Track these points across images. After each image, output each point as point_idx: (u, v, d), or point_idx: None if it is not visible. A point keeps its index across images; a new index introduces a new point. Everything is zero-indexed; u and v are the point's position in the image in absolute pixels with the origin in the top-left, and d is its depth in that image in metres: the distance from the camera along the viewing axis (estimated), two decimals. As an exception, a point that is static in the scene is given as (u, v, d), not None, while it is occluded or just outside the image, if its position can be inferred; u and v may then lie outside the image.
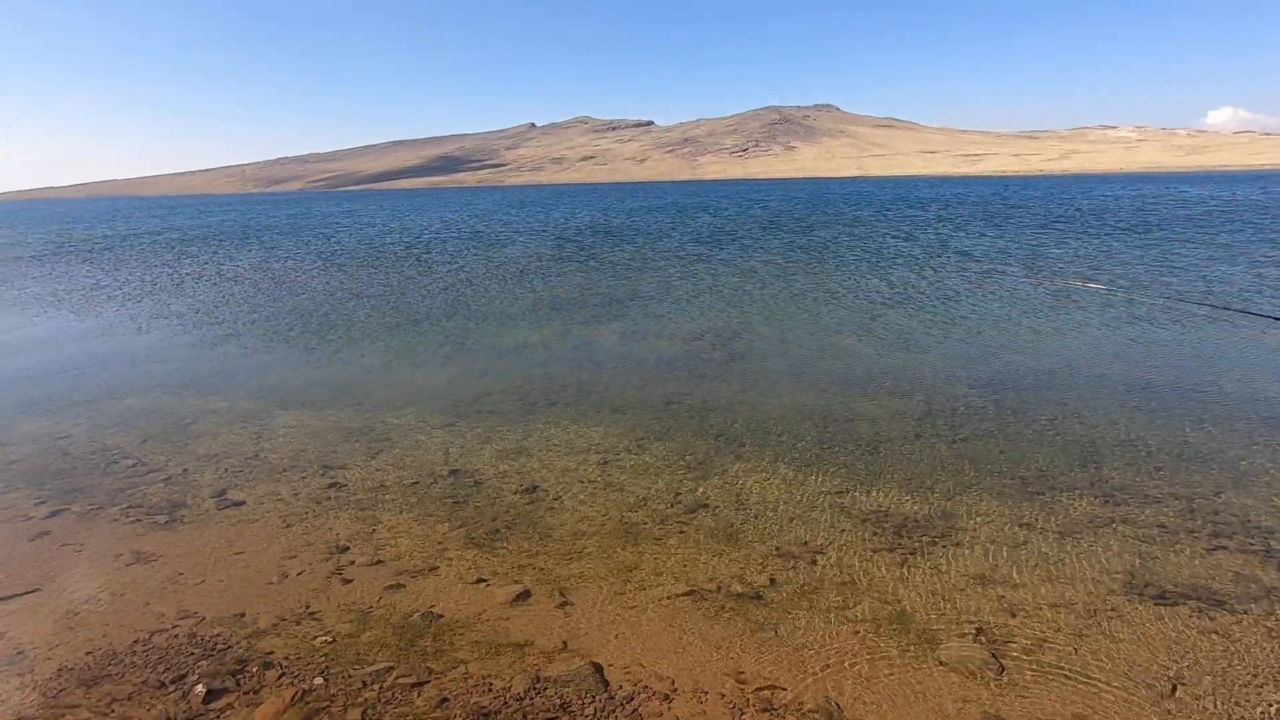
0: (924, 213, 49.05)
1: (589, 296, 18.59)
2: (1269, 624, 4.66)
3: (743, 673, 4.31)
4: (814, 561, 5.61)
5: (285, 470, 7.68)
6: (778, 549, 5.79)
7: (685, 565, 5.59)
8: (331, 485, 7.26)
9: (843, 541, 5.89)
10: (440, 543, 6.02)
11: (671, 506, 6.62)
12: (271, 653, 4.51)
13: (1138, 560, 5.48)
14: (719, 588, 5.26)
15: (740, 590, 5.21)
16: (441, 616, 4.93)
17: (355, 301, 18.79)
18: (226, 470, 7.71)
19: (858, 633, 4.70)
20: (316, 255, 32.10)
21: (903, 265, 22.63)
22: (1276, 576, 5.21)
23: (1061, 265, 21.58)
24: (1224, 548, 5.62)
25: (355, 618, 4.91)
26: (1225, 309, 12.34)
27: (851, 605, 5.01)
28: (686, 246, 31.35)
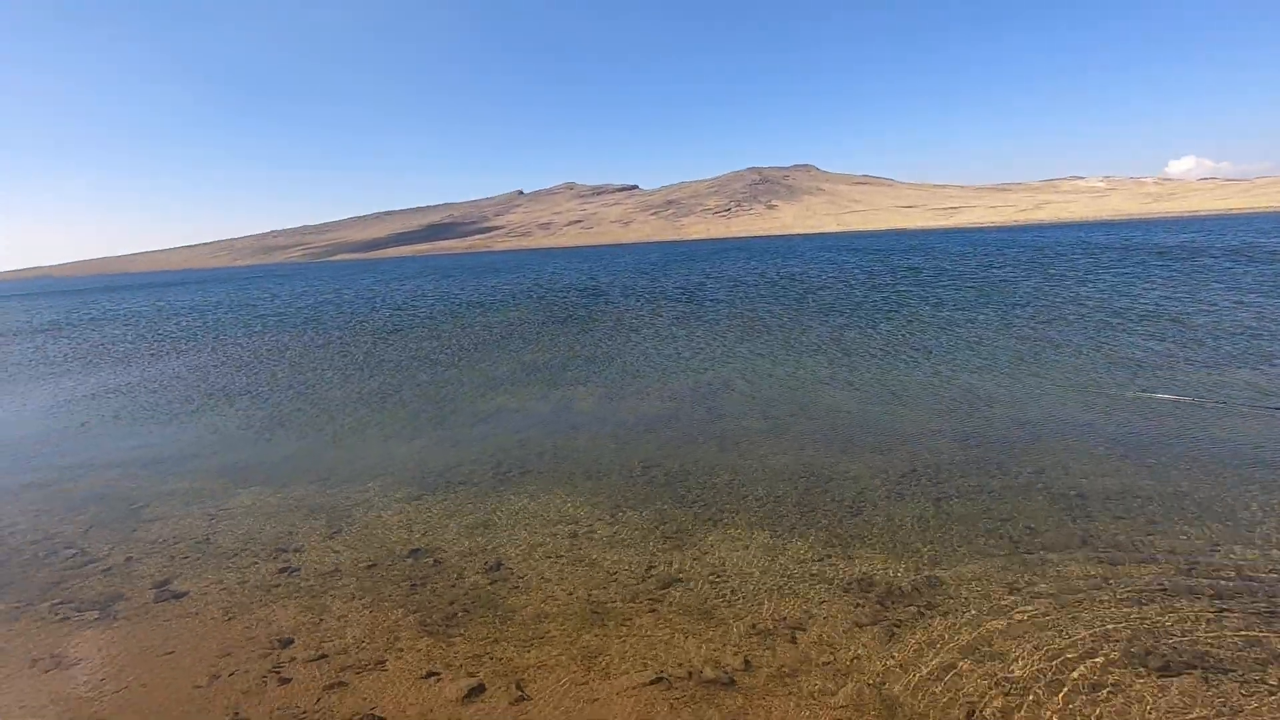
0: (882, 265, 49.79)
1: (568, 358, 18.38)
2: (1268, 688, 4.29)
3: (712, 777, 3.87)
4: (793, 640, 5.21)
5: (235, 555, 7.22)
6: (754, 627, 5.39)
7: (654, 648, 5.16)
8: (283, 570, 6.81)
9: (824, 615, 5.50)
10: (392, 632, 5.57)
11: (643, 582, 6.22)
12: (186, 773, 4.03)
13: (1141, 626, 5.12)
14: (689, 673, 4.83)
15: (712, 675, 4.79)
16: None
17: (326, 371, 18.48)
18: (173, 557, 7.25)
19: (840, 722, 4.29)
20: (290, 325, 31.92)
21: (879, 317, 22.67)
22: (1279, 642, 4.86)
23: (1087, 306, 21.67)
24: (1229, 610, 5.27)
25: (287, 726, 4.44)
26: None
27: (833, 690, 4.60)
28: (664, 305, 31.45)
